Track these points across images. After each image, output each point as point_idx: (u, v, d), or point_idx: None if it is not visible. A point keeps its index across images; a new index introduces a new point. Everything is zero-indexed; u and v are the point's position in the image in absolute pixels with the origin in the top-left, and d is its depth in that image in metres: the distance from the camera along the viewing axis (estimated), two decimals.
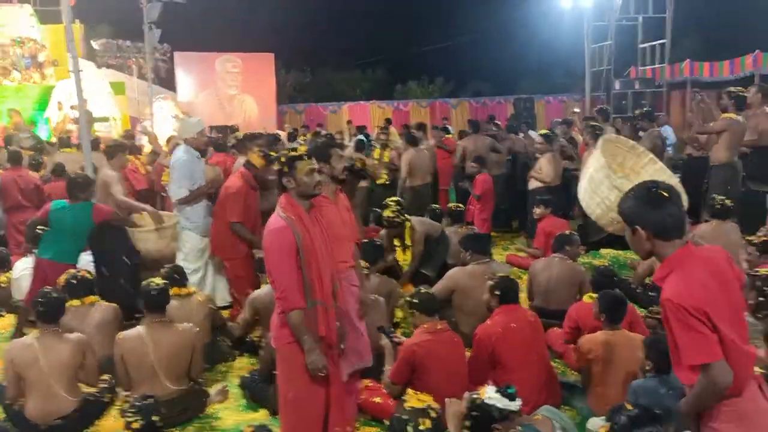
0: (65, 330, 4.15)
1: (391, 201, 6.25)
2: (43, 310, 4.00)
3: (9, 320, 5.98)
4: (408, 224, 6.13)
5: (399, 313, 5.46)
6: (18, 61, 16.98)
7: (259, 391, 4.29)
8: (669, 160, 8.62)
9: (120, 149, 6.62)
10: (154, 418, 2.96)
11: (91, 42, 16.81)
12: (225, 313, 5.62)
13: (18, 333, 5.30)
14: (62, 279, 4.72)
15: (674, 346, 2.24)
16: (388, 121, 13.99)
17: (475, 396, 2.87)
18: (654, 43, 17.02)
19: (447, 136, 11.12)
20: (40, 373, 3.85)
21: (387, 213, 6.13)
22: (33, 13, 19.30)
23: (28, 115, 15.97)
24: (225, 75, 19.37)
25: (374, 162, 9.01)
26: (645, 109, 9.29)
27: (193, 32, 19.59)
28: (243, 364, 4.99)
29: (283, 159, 3.24)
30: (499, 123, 11.61)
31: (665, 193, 2.26)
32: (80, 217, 5.29)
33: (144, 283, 4.25)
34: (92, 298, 4.76)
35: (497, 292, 4.04)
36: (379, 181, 8.68)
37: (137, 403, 3.00)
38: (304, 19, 29.57)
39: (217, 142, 8.18)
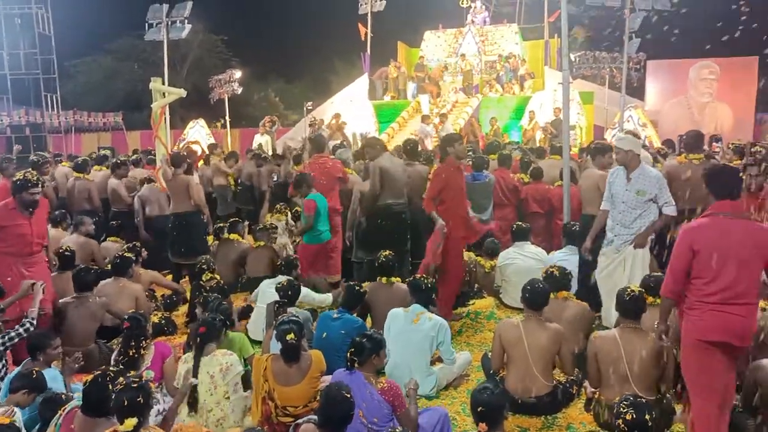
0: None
1: None
2: (530, 298, 4.45)
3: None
4: None
5: None
6: (504, 75, 19.12)
7: (736, 421, 3.91)
8: None
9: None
10: (647, 416, 3.01)
11: (570, 54, 17.77)
12: None
13: None
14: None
15: None
16: None
17: None
18: None
19: None
20: (522, 352, 4.30)
21: None
22: (518, 31, 21.53)
23: (504, 123, 17.90)
24: (698, 82, 18.40)
25: None
26: None
27: (669, 40, 18.98)
28: None
29: None
30: None
31: None
32: None
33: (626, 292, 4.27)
34: (565, 293, 5.08)
35: None
36: None
37: (631, 398, 3.12)
38: None
39: None
